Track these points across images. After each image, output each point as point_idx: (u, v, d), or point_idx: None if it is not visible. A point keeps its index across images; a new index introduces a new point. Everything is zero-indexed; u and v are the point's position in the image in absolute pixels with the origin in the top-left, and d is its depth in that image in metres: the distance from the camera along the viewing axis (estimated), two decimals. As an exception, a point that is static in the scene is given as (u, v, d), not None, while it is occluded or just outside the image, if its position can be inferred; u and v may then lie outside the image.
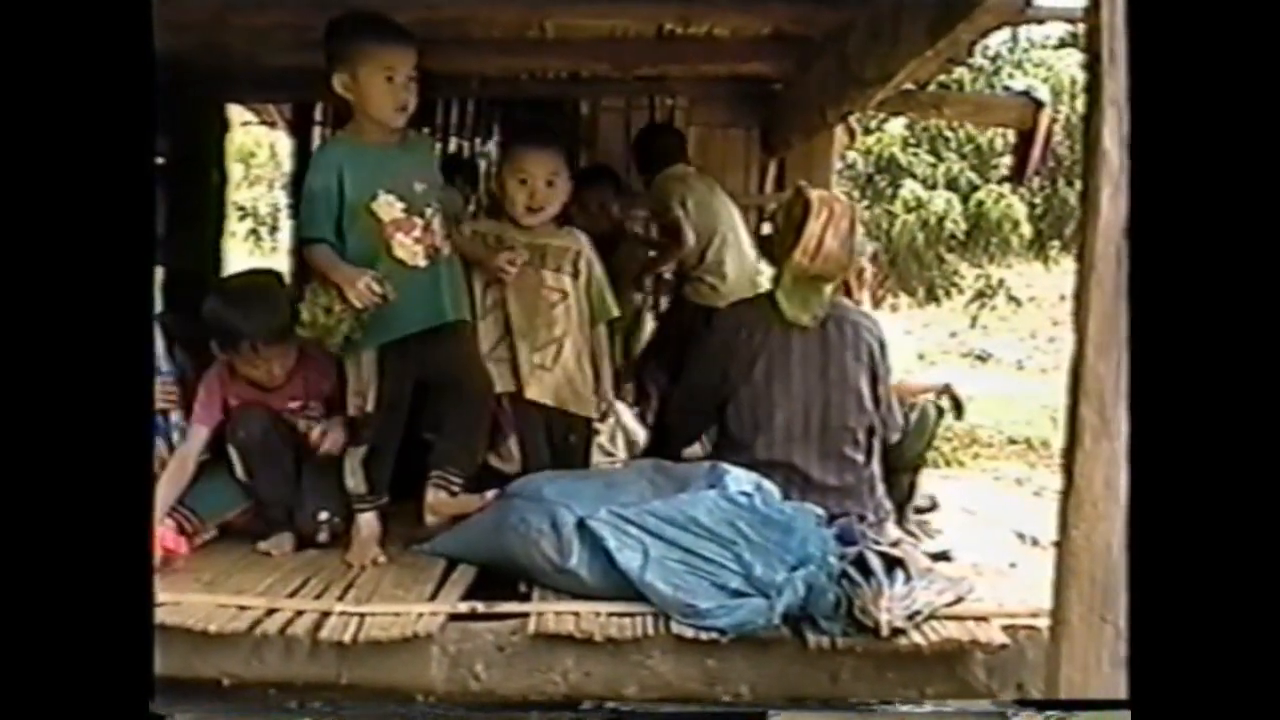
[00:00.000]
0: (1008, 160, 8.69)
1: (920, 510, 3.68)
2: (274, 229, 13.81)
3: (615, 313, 3.64)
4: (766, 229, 4.75)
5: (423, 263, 3.07)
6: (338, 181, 3.00)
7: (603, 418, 3.63)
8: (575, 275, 3.49)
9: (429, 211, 3.08)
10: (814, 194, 3.31)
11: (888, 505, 3.34)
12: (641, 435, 3.85)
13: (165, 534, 2.95)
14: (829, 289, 3.30)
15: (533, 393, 3.42)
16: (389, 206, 3.02)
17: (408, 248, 3.05)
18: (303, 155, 5.98)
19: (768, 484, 2.92)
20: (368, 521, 3.11)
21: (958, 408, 4.14)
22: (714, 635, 2.51)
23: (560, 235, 3.52)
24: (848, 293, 3.80)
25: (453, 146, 6.01)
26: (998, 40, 9.45)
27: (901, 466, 3.56)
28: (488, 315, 3.41)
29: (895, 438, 3.47)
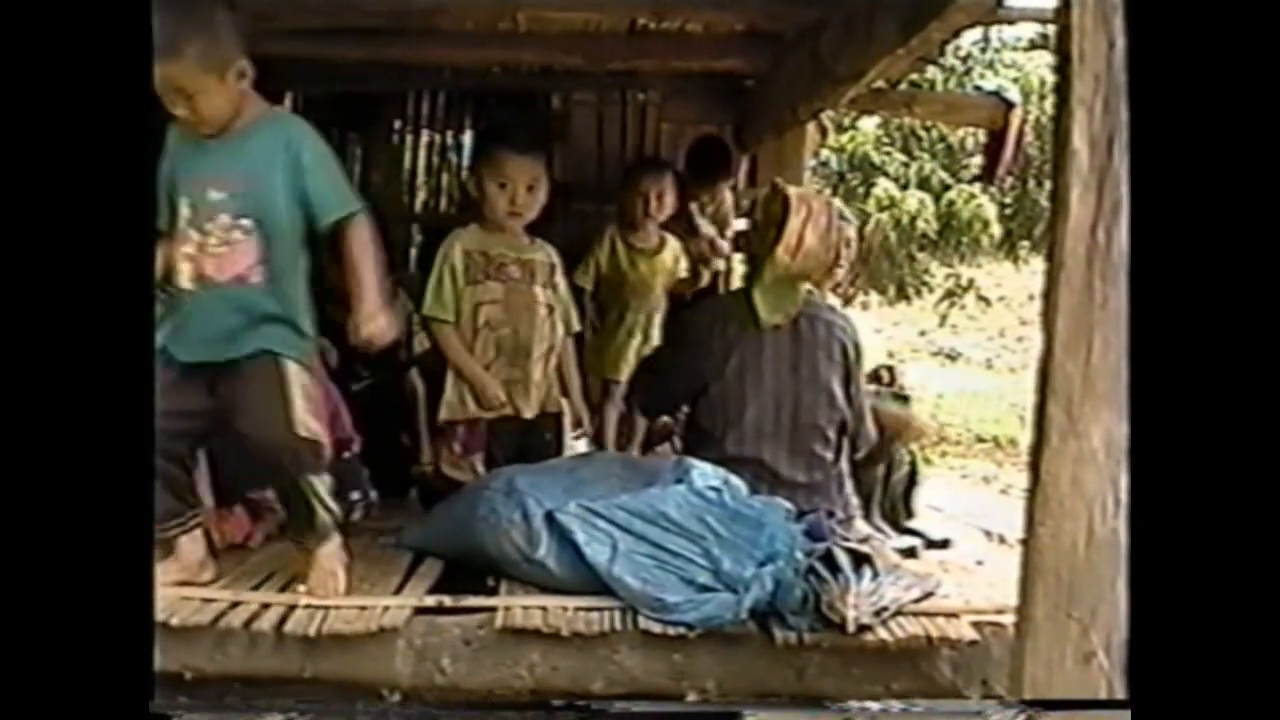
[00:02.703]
0: (979, 160, 8.74)
1: (931, 544, 3.65)
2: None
3: (577, 326, 3.66)
4: (741, 224, 4.72)
5: (188, 285, 2.57)
6: (169, 171, 2.61)
7: (577, 425, 3.66)
8: (555, 288, 3.50)
9: (210, 226, 2.55)
10: (793, 191, 3.33)
11: (856, 502, 3.35)
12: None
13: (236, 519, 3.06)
14: (804, 288, 3.31)
15: (528, 412, 3.44)
16: (172, 213, 2.60)
17: (175, 265, 2.58)
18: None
19: (735, 479, 2.92)
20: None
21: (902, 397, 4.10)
22: (681, 630, 2.51)
23: (536, 249, 3.52)
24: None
25: (424, 139, 5.97)
26: (969, 40, 9.50)
27: (868, 461, 3.56)
28: (480, 334, 3.38)
29: (864, 450, 3.47)
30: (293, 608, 2.56)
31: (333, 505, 2.71)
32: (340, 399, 3.39)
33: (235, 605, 2.57)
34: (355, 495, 3.32)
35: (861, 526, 3.29)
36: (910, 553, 3.36)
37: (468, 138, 5.98)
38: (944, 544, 3.67)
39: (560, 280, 3.55)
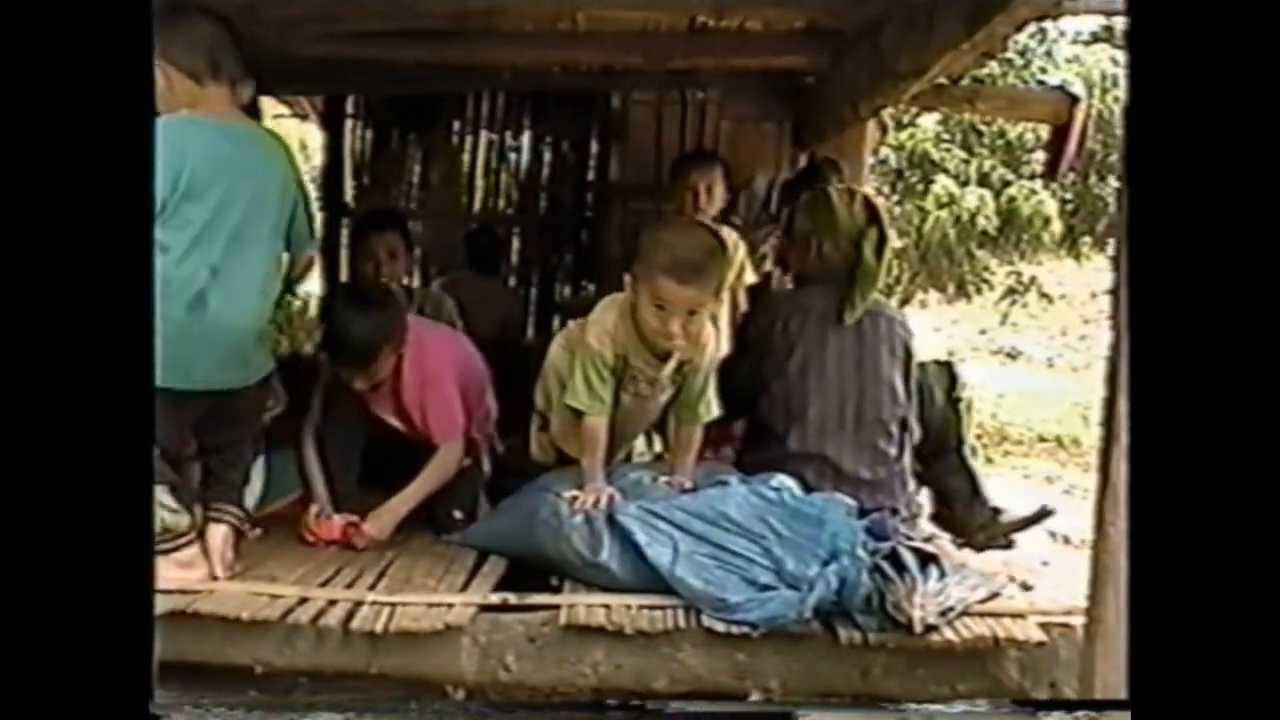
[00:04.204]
0: (1040, 156, 8.62)
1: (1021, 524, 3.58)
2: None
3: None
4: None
5: None
6: None
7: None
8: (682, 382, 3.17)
9: None
10: (871, 195, 3.38)
11: (920, 500, 3.32)
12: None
13: (335, 526, 3.13)
14: None
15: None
16: None
17: None
18: (334, 148, 6.01)
19: (789, 480, 2.92)
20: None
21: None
22: (745, 629, 2.51)
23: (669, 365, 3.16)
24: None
25: (483, 139, 6.01)
26: (1028, 34, 9.38)
27: (936, 449, 3.53)
28: None
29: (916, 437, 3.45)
30: (359, 604, 2.59)
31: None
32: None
33: (303, 601, 2.60)
34: (458, 514, 3.29)
35: (923, 524, 3.26)
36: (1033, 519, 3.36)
37: (527, 138, 6.02)
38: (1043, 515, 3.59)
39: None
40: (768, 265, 4.50)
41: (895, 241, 3.33)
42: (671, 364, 3.09)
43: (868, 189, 3.51)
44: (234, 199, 2.67)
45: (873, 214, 3.34)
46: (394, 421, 3.31)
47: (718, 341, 3.18)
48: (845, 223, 3.33)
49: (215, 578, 2.75)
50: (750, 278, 4.34)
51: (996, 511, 3.57)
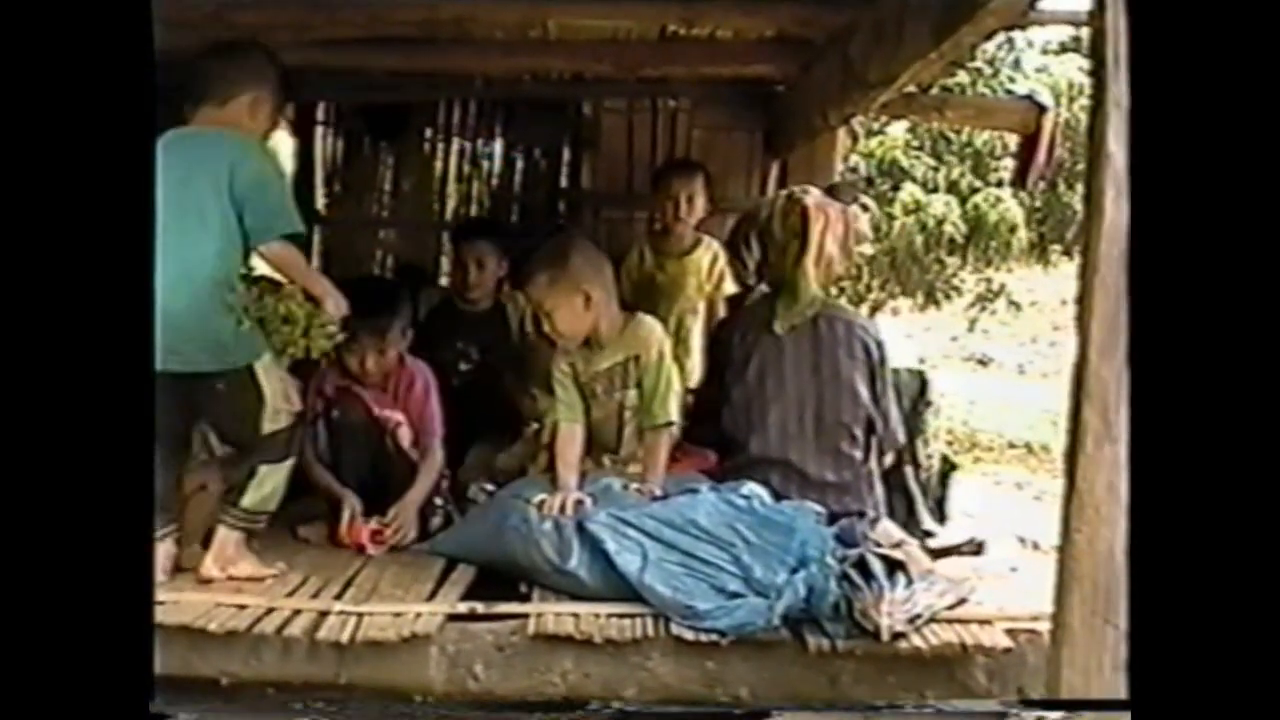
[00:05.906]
0: (1008, 164, 8.66)
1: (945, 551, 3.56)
2: (275, 228, 13.79)
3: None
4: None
5: None
6: None
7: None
8: (639, 384, 3.26)
9: None
10: (810, 201, 3.34)
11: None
12: None
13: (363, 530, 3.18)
14: (817, 291, 3.32)
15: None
16: None
17: None
18: (305, 156, 5.97)
19: (759, 488, 2.92)
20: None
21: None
22: (713, 637, 2.51)
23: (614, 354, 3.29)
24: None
25: (455, 146, 5.99)
26: (996, 44, 9.43)
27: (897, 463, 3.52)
28: None
29: (891, 453, 3.44)
30: (325, 614, 2.58)
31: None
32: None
33: (269, 611, 2.59)
34: (438, 501, 3.42)
35: (892, 529, 3.24)
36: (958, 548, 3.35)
37: (498, 145, 6.00)
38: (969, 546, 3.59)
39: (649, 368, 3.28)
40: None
41: (834, 249, 3.28)
42: (609, 356, 3.25)
43: (814, 195, 3.44)
44: None
45: (803, 223, 3.31)
46: (398, 416, 3.44)
47: (670, 343, 3.34)
48: (777, 232, 3.34)
49: (206, 580, 2.81)
50: (730, 288, 4.34)
51: (927, 534, 3.57)
